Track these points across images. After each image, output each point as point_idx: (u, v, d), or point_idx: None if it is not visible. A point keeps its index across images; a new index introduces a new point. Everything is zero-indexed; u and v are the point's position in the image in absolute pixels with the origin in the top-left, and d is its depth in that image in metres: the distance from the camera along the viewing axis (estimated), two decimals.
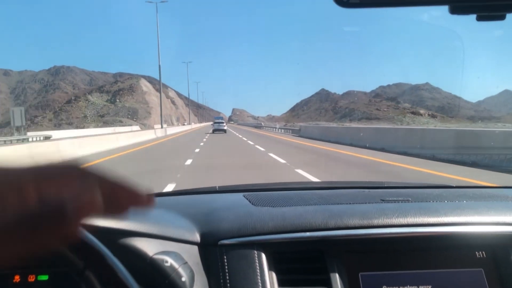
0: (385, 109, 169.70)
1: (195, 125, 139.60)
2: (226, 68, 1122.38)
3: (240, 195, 1.42)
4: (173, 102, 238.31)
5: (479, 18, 0.54)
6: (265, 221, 1.07)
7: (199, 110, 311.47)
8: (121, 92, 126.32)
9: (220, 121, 48.50)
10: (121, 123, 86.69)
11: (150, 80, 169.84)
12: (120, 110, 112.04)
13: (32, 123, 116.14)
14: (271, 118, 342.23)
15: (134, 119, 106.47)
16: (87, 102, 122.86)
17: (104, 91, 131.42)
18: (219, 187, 1.74)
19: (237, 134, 40.37)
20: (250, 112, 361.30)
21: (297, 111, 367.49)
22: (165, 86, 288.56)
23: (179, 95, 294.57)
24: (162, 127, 46.99)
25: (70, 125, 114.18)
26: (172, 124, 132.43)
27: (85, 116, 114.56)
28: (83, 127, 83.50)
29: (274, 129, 54.13)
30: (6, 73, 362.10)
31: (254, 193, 1.48)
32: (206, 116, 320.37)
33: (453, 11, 0.55)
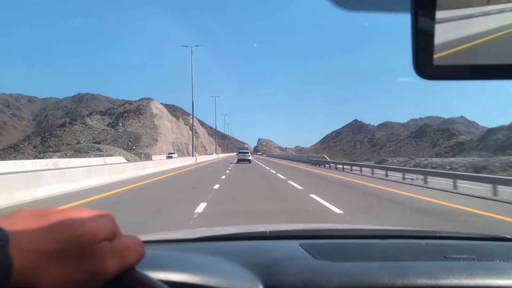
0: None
1: (219, 156, 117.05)
2: (252, 98, 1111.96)
3: (295, 244, 1.38)
4: (194, 130, 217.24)
5: None
6: (330, 278, 1.03)
7: (223, 140, 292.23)
8: (125, 114, 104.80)
9: (245, 151, 47.40)
10: (99, 152, 63.30)
11: (167, 106, 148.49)
12: (120, 136, 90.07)
13: (15, 150, 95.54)
14: (299, 150, 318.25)
15: (134, 147, 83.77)
16: (83, 125, 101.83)
17: (106, 113, 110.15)
18: (270, 232, 1.67)
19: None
20: (277, 143, 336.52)
21: (328, 142, 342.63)
22: (187, 114, 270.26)
23: (202, 123, 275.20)
24: (193, 155, 48.57)
25: (56, 152, 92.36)
26: (186, 154, 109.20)
27: (78, 142, 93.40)
28: (46, 157, 60.69)
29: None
30: (31, 100, 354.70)
31: (310, 242, 1.45)
32: (231, 146, 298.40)
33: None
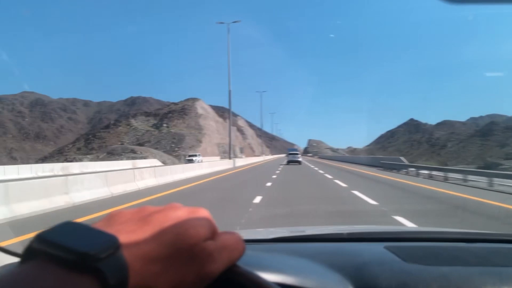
0: None
1: (267, 157, 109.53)
2: (301, 98, 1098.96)
3: (379, 247, 1.33)
4: (241, 131, 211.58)
5: None
6: (427, 282, 0.99)
7: (272, 142, 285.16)
8: (170, 115, 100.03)
9: (295, 152, 46.71)
10: (133, 154, 57.29)
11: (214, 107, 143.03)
12: (164, 137, 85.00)
13: (59, 152, 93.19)
14: (352, 151, 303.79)
15: (177, 149, 78.10)
16: (128, 127, 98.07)
17: (151, 114, 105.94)
18: (347, 233, 1.62)
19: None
20: (328, 143, 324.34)
21: (382, 143, 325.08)
22: (234, 114, 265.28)
23: (250, 125, 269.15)
24: (230, 158, 43.94)
25: (89, 155, 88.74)
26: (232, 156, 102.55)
27: (122, 144, 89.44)
28: (73, 160, 55.75)
29: None
30: (86, 103, 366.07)
31: (395, 244, 1.39)
32: (279, 147, 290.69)
33: None
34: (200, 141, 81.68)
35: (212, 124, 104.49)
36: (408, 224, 7.45)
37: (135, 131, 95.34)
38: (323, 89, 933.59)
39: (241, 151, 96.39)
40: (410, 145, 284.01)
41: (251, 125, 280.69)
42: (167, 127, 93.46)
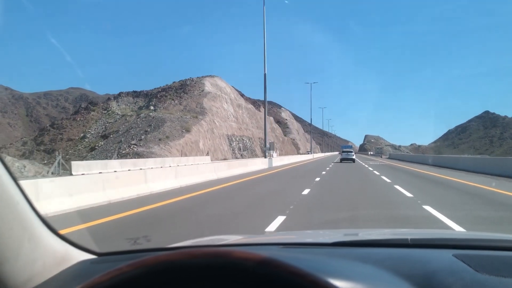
0: None
1: (314, 156, 79.04)
2: (358, 92, 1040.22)
3: (448, 254, 1.24)
4: (284, 124, 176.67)
5: None
6: None
7: (323, 138, 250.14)
8: (163, 93, 68.46)
9: (349, 150, 44.16)
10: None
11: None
12: (139, 124, 53.72)
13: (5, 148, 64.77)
14: (416, 148, 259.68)
15: (134, 144, 45.78)
16: (105, 112, 67.91)
17: (141, 94, 74.31)
18: (411, 239, 1.51)
19: None
20: (388, 140, 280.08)
21: (451, 139, 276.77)
22: (278, 106, 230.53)
23: (297, 118, 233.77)
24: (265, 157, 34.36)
25: (48, 154, 58.07)
26: (260, 154, 69.33)
27: (84, 137, 59.37)
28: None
29: None
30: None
31: (465, 252, 1.29)
32: (332, 144, 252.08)
33: None
34: (187, 130, 48.67)
35: (226, 108, 71.14)
36: None
37: (110, 117, 64.45)
38: (384, 82, 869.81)
39: (271, 147, 62.82)
40: (489, 142, 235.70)
41: (299, 119, 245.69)
42: (154, 109, 61.66)
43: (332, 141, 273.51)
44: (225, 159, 52.54)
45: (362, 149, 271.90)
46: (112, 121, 62.46)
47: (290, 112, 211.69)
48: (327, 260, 1.11)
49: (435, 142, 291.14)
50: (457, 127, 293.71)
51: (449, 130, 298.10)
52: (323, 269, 0.86)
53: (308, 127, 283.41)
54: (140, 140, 45.39)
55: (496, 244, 1.49)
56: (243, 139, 70.51)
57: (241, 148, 67.14)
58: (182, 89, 69.82)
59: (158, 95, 68.03)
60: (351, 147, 52.04)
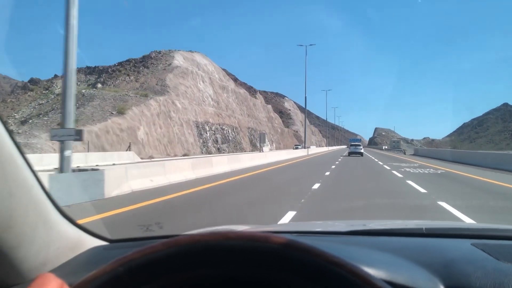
0: None
1: (319, 150, 72.78)
2: (369, 85, 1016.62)
3: (466, 244, 1.23)
4: (288, 115, 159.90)
5: None
6: None
7: (332, 132, 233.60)
8: (116, 68, 52.85)
9: (357, 143, 42.39)
10: None
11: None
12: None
13: None
14: (429, 142, 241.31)
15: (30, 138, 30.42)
16: (45, 92, 52.20)
17: (96, 70, 58.15)
18: (426, 229, 1.49)
19: None
20: (399, 133, 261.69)
21: (467, 133, 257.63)
22: (281, 95, 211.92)
23: (300, 108, 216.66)
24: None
25: None
26: (248, 148, 53.75)
27: (6, 123, 44.60)
28: None
29: None
30: None
31: (484, 242, 1.27)
32: (340, 138, 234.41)
33: None
34: (121, 112, 32.42)
35: (202, 89, 54.91)
36: None
37: (46, 97, 48.74)
38: (396, 74, 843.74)
39: (262, 139, 46.32)
40: (510, 136, 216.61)
41: (302, 109, 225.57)
42: (103, 87, 45.93)
43: (341, 135, 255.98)
44: (185, 155, 36.53)
45: (372, 142, 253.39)
46: (44, 102, 46.56)
47: (295, 102, 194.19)
48: (345, 248, 1.09)
49: (449, 136, 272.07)
50: (472, 120, 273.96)
51: (464, 124, 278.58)
52: (343, 257, 0.80)
53: (316, 120, 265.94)
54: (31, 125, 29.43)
55: (506, 233, 1.45)
56: (223, 129, 54.14)
57: (218, 140, 50.76)
58: (143, 62, 53.63)
59: (110, 70, 51.93)
60: (359, 140, 50.77)
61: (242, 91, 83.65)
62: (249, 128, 69.54)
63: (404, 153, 51.37)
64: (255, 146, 64.49)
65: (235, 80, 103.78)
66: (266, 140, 70.00)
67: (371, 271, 0.79)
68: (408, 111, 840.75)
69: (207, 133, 48.35)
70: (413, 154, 47.16)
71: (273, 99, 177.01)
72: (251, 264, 0.58)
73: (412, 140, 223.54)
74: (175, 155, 36.00)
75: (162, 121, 38.04)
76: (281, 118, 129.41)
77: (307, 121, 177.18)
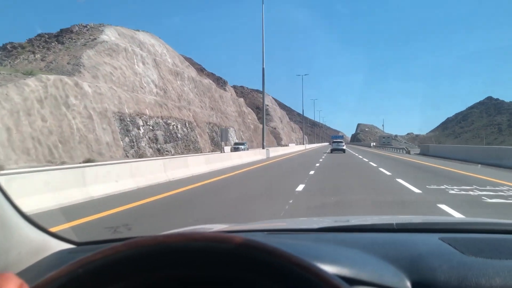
0: None
1: (296, 149, 61.12)
2: (348, 83, 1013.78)
3: (434, 238, 1.23)
4: (265, 111, 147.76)
5: None
6: (490, 276, 0.90)
7: (313, 129, 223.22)
8: (15, 45, 40.06)
9: (339, 140, 43.94)
10: None
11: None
12: None
13: None
14: (413, 138, 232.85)
15: None
16: None
17: (15, 46, 45.08)
18: (396, 224, 1.49)
19: None
20: (381, 128, 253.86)
21: (452, 128, 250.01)
22: (259, 91, 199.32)
23: (280, 105, 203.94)
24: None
25: None
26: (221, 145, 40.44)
27: None
28: None
29: None
30: None
31: (451, 236, 1.27)
32: (322, 135, 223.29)
33: None
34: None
35: (141, 72, 42.05)
36: None
37: None
38: (373, 72, 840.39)
39: (224, 136, 34.19)
40: (497, 130, 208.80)
41: (282, 105, 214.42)
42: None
43: (323, 132, 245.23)
44: (88, 161, 23.77)
45: (355, 139, 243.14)
46: None
47: (274, 98, 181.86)
48: (313, 245, 1.09)
49: (433, 131, 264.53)
50: (456, 114, 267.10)
51: (448, 118, 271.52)
52: (307, 254, 0.84)
53: (297, 117, 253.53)
54: None
55: (481, 227, 1.48)
56: (167, 123, 41.17)
57: (157, 139, 37.76)
58: (57, 37, 40.28)
59: (9, 47, 38.47)
60: (342, 137, 53.15)
61: (207, 81, 70.69)
62: (210, 123, 56.70)
63: (409, 153, 38.30)
64: (218, 145, 51.63)
65: (201, 70, 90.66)
66: (230, 137, 57.39)
67: (336, 268, 0.78)
68: (390, 107, 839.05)
69: (139, 129, 35.36)
70: (421, 154, 33.97)
71: (250, 93, 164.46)
72: (212, 264, 0.57)
73: (396, 136, 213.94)
74: (63, 162, 23.03)
75: (50, 110, 25.06)
76: (257, 114, 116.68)
77: (286, 117, 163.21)
